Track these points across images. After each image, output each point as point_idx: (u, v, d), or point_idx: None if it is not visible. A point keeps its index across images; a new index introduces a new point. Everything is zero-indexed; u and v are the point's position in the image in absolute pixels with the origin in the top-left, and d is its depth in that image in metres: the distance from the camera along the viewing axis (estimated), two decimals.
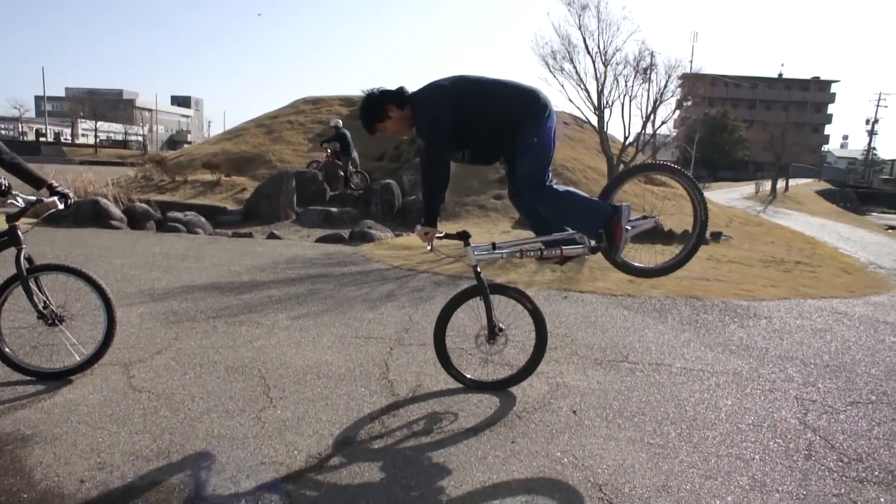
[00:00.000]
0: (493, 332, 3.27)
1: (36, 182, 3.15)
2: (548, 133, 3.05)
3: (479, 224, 11.52)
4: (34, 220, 3.37)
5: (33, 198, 3.11)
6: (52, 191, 3.16)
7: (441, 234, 3.12)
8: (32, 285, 3.16)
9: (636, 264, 3.34)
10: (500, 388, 3.36)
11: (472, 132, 3.01)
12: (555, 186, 3.10)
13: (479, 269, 3.20)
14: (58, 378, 3.19)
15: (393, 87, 3.09)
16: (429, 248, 3.12)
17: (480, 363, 3.58)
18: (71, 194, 3.25)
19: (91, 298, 3.26)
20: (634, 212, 3.34)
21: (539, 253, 3.19)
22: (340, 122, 14.27)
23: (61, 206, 3.16)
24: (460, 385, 3.38)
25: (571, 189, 3.20)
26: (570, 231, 3.20)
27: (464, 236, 3.17)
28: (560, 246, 3.17)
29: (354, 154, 14.19)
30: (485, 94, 3.02)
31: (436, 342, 3.31)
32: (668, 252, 4.27)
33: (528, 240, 3.25)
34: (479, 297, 3.24)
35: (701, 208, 3.28)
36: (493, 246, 3.22)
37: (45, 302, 3.22)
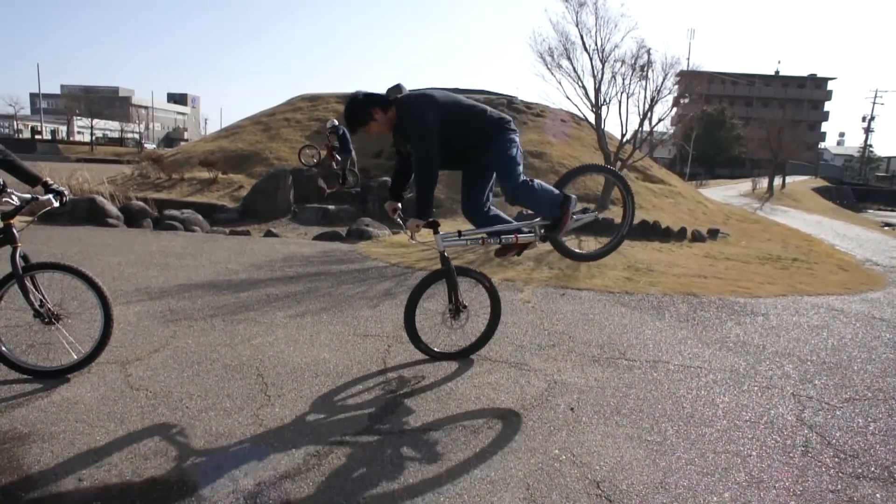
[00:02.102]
0: (457, 309, 3.64)
1: (31, 179, 3.13)
2: (516, 141, 3.49)
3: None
4: (30, 218, 3.34)
5: (28, 195, 3.09)
6: (47, 188, 3.15)
7: None
8: (28, 283, 3.14)
9: (575, 250, 4.01)
10: (462, 356, 3.75)
11: (449, 143, 3.30)
12: (528, 182, 3.48)
13: (446, 255, 3.53)
14: (55, 376, 3.18)
15: (384, 87, 3.32)
16: (410, 238, 3.43)
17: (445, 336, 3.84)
18: (66, 192, 3.23)
19: (88, 296, 3.25)
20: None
21: (499, 240, 3.58)
22: (336, 121, 14.27)
23: (56, 204, 3.14)
24: (459, 384, 3.39)
25: (537, 181, 3.56)
26: (517, 223, 3.65)
27: (433, 225, 3.44)
28: (514, 234, 3.57)
29: (353, 153, 14.17)
30: (467, 112, 3.39)
31: (406, 320, 3.58)
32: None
33: (489, 229, 3.63)
34: (447, 278, 3.57)
35: (629, 205, 3.96)
36: (459, 233, 3.57)
37: (41, 300, 3.21)
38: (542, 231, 3.60)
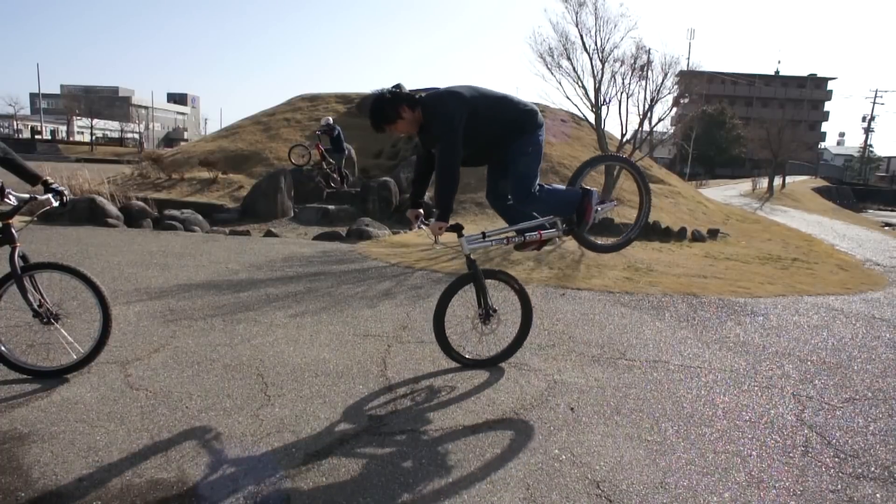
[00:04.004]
0: (487, 313, 3.56)
1: (31, 178, 3.13)
2: (540, 144, 3.44)
3: (476, 221, 11.52)
4: (29, 218, 3.34)
5: (27, 195, 3.09)
6: (47, 188, 3.14)
7: None
8: (27, 283, 3.14)
9: (598, 241, 3.99)
10: (495, 363, 3.68)
11: (475, 138, 3.23)
12: (537, 193, 3.41)
13: (472, 258, 3.46)
14: (54, 376, 3.18)
15: (391, 87, 3.23)
16: (434, 242, 3.42)
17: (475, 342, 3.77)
18: (66, 191, 3.23)
19: (87, 296, 3.24)
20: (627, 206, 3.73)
21: (522, 238, 3.53)
22: (331, 119, 14.28)
23: (56, 204, 3.14)
24: (459, 384, 3.38)
25: (547, 187, 3.52)
26: (542, 218, 3.56)
27: (457, 228, 3.38)
28: (538, 230, 3.53)
29: (351, 151, 14.18)
30: (494, 107, 3.29)
31: (435, 328, 3.51)
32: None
33: (512, 227, 3.58)
34: (474, 282, 3.50)
35: (645, 196, 3.88)
36: (483, 235, 3.51)
37: (40, 300, 3.20)
38: (565, 226, 3.57)
